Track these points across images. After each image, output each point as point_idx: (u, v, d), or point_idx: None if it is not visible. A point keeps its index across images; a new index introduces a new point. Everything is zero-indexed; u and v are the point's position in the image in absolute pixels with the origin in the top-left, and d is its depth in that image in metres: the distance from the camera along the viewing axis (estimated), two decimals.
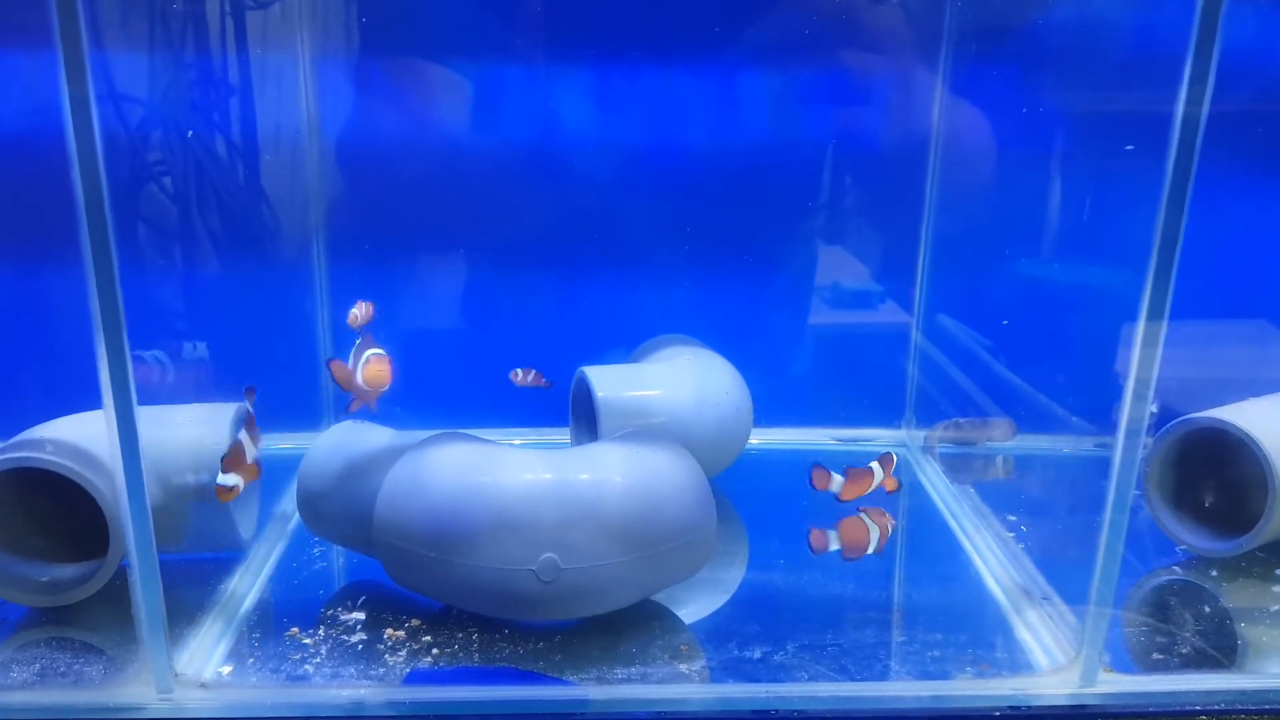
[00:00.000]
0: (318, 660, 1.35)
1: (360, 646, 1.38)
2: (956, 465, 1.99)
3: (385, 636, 1.40)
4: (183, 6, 1.82)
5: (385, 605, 1.47)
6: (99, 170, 1.10)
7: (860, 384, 2.13)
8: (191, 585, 1.51)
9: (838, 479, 1.44)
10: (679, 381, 1.82)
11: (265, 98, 1.93)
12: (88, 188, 1.11)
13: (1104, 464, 1.31)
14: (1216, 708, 1.30)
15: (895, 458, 1.48)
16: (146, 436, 1.20)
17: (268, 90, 1.92)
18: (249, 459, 1.38)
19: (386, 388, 1.49)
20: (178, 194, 1.89)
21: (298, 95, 1.92)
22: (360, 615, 1.46)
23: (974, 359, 2.00)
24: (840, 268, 2.06)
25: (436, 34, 1.91)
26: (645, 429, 1.69)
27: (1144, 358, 1.22)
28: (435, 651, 1.37)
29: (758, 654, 1.38)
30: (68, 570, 1.46)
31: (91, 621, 1.44)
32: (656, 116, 2.03)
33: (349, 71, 1.96)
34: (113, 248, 1.12)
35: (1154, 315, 1.20)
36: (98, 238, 1.12)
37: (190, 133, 1.87)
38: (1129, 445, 1.26)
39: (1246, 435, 1.56)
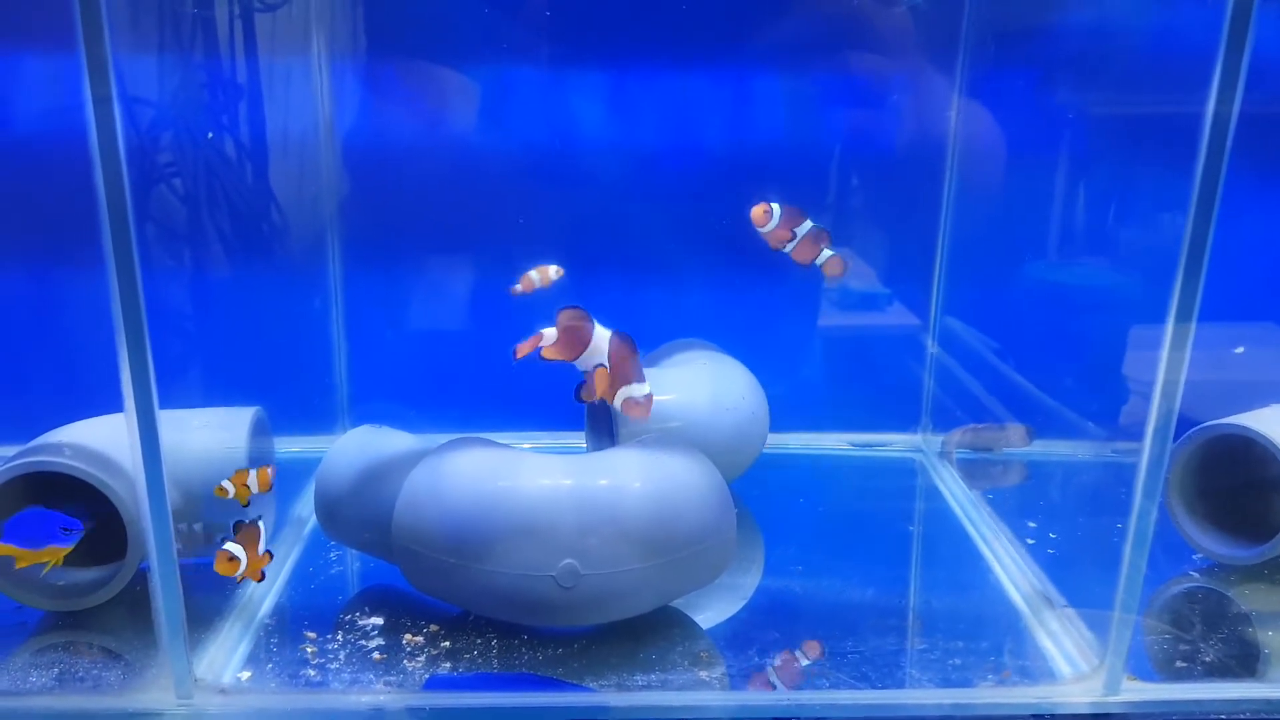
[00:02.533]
0: (336, 666, 1.35)
1: (379, 652, 1.38)
2: (974, 471, 1.98)
3: (404, 642, 1.40)
4: (195, 8, 1.82)
5: (404, 611, 1.47)
6: (122, 174, 1.09)
7: (876, 389, 2.12)
8: (209, 590, 1.50)
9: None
10: (695, 386, 1.81)
11: (279, 100, 1.92)
12: (110, 191, 1.10)
13: (1123, 470, 1.30)
14: (1242, 717, 1.29)
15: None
16: (164, 441, 1.19)
17: (282, 93, 1.92)
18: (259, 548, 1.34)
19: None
20: (192, 196, 1.88)
21: (312, 97, 1.92)
22: (378, 621, 1.45)
23: (990, 364, 1.99)
24: (856, 272, 2.05)
25: (452, 36, 1.91)
26: (663, 434, 1.68)
27: (1171, 360, 1.21)
28: (454, 657, 1.37)
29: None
30: (86, 574, 1.46)
31: (109, 626, 1.43)
32: (672, 119, 2.02)
33: (364, 74, 1.95)
34: (135, 251, 1.12)
35: (1182, 318, 1.19)
36: (120, 241, 1.11)
37: (210, 134, 1.86)
38: (1155, 451, 1.24)
39: (1271, 443, 1.55)
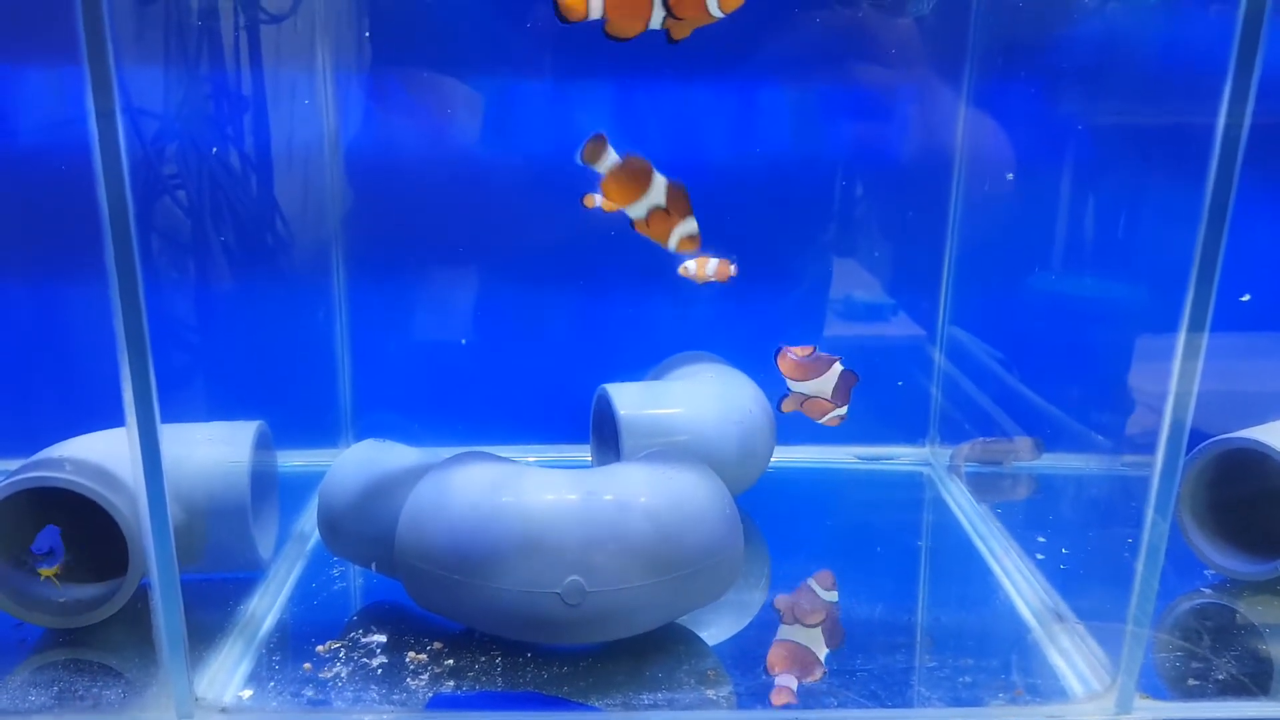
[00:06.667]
0: (339, 684, 1.33)
1: (382, 670, 1.36)
2: (982, 485, 1.97)
3: (407, 660, 1.38)
4: (200, 20, 1.82)
5: (407, 628, 1.45)
6: (125, 187, 1.09)
7: (884, 401, 2.10)
8: (211, 606, 1.49)
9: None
10: (701, 399, 1.80)
11: (284, 112, 1.92)
12: (113, 204, 1.10)
13: (1134, 483, 1.28)
14: None
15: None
16: (166, 455, 1.18)
17: (287, 105, 1.92)
18: None
19: None
20: (196, 209, 1.88)
21: (317, 109, 1.91)
22: (382, 638, 1.44)
23: (999, 376, 1.97)
24: (863, 284, 2.04)
25: (457, 48, 1.90)
26: (669, 448, 1.66)
27: (1184, 371, 1.20)
28: (458, 675, 1.35)
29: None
30: (86, 591, 1.44)
31: (110, 643, 1.42)
32: (677, 130, 2.02)
33: (369, 86, 1.95)
34: (137, 264, 1.11)
35: (1195, 328, 1.18)
36: (122, 254, 1.11)
37: (214, 148, 1.86)
38: (1167, 464, 1.23)
39: None
